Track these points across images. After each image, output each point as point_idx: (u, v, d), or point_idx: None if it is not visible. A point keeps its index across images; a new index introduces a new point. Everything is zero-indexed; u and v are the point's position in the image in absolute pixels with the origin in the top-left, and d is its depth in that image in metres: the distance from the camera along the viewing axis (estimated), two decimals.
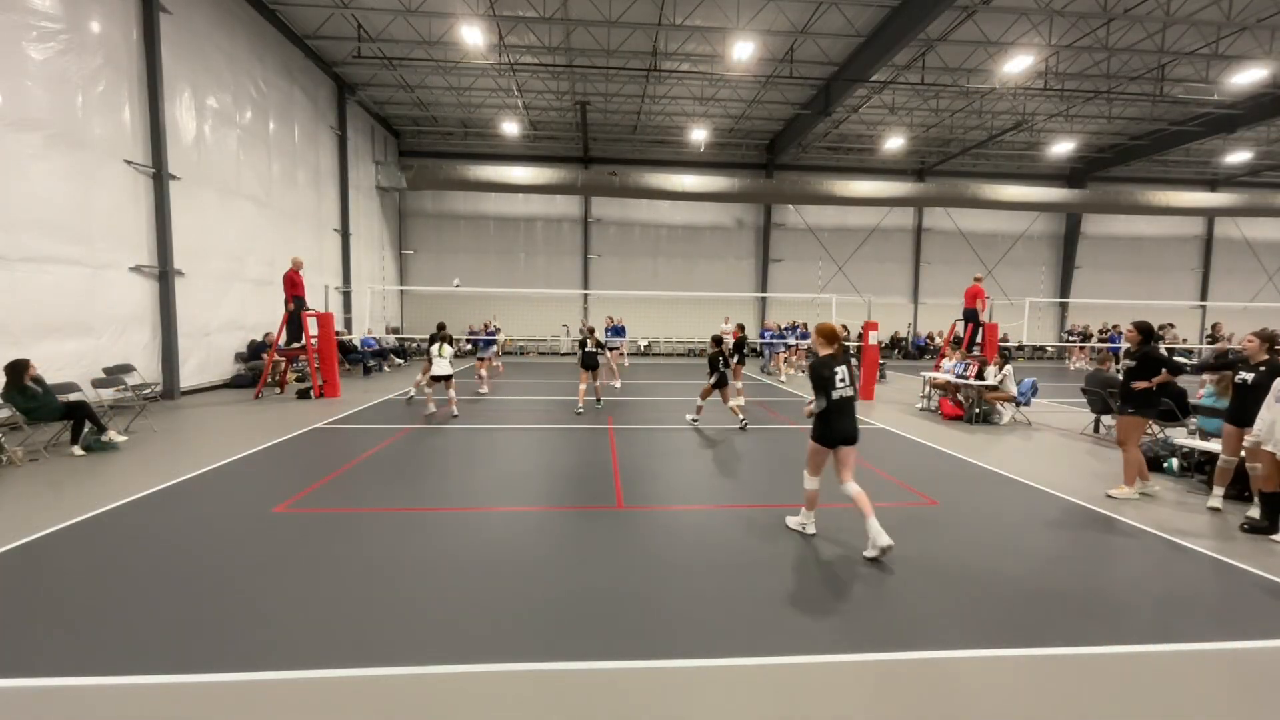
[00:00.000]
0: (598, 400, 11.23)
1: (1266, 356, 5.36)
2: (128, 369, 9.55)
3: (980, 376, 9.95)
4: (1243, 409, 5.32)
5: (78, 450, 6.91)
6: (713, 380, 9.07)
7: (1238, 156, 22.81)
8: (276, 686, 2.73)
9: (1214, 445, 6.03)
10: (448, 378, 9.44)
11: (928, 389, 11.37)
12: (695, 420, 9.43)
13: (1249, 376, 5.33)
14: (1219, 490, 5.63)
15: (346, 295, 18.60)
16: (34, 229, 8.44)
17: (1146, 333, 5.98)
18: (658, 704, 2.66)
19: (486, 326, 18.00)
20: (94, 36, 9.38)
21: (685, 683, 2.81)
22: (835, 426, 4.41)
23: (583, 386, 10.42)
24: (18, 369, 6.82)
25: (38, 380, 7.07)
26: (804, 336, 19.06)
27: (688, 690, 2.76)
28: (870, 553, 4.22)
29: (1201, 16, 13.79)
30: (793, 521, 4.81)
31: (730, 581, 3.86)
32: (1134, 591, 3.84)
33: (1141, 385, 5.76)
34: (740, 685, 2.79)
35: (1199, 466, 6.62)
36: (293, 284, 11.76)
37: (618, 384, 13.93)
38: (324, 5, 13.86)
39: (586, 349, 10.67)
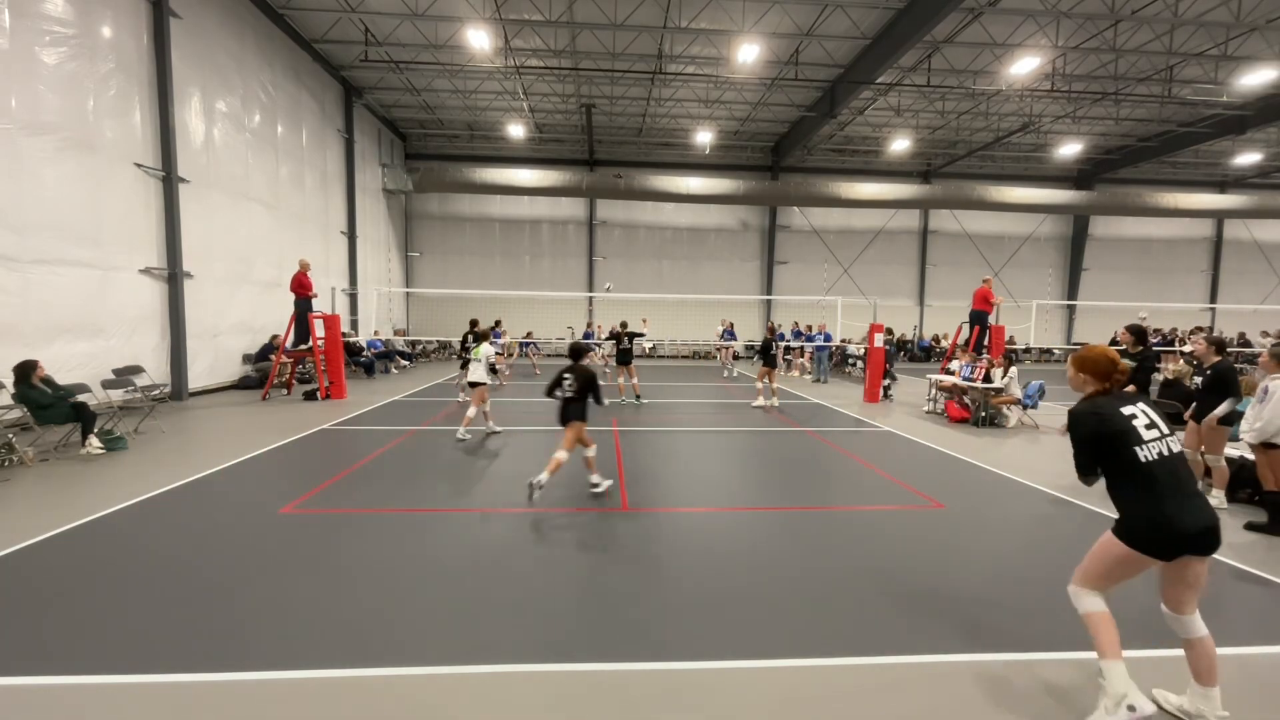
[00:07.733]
0: (637, 398, 11.19)
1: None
2: (137, 370, 9.63)
3: (987, 379, 9.90)
4: None
5: (95, 442, 6.94)
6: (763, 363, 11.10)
7: (1247, 158, 22.64)
8: (281, 686, 2.75)
9: (1229, 450, 5.91)
10: (481, 385, 8.17)
11: (934, 392, 11.32)
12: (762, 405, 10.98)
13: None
14: (1218, 492, 5.63)
15: (353, 297, 18.70)
16: (46, 231, 8.53)
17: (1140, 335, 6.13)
18: (661, 706, 2.67)
19: (498, 325, 18.52)
20: (105, 41, 9.49)
21: (689, 685, 2.81)
22: (1165, 514, 2.36)
23: (620, 381, 10.46)
24: (26, 369, 6.99)
25: (47, 381, 7.19)
26: (805, 338, 18.89)
27: (691, 692, 2.76)
28: None
29: (1210, 17, 13.70)
30: None
31: (736, 584, 3.86)
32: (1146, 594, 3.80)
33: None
34: (745, 688, 2.79)
35: (1205, 472, 6.56)
36: (301, 285, 11.83)
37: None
38: (332, 9, 13.97)
39: (621, 345, 10.68)
